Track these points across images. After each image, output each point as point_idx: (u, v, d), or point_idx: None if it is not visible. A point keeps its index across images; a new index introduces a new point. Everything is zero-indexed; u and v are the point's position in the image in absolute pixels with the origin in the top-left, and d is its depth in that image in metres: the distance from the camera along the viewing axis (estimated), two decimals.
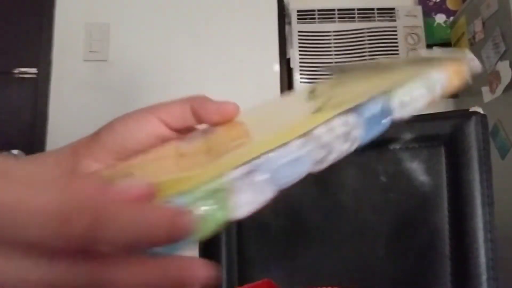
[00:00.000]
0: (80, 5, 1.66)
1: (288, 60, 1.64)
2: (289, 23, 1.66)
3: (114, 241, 0.18)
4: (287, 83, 1.64)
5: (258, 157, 0.21)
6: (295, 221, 0.64)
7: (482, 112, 0.59)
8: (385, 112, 0.25)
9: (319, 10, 1.64)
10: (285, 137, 0.21)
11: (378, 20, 1.62)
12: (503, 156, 1.20)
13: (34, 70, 1.63)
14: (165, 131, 0.31)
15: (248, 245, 0.65)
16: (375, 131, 0.25)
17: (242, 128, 0.28)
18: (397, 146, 0.61)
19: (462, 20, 1.46)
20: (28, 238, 0.17)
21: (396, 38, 1.60)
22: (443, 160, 0.59)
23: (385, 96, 0.25)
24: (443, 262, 0.57)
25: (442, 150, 0.59)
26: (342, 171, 0.63)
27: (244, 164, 0.20)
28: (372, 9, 1.62)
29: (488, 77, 1.28)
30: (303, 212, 0.64)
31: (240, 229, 0.65)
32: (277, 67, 1.65)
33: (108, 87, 1.62)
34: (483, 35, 1.33)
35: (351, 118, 0.23)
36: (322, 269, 0.62)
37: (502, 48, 1.22)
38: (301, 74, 1.59)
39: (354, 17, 1.62)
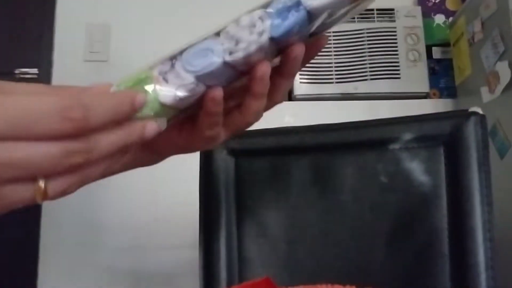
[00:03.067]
0: (81, 6, 1.66)
1: None
2: None
3: (102, 120, 0.26)
4: None
5: (179, 51, 0.28)
6: (295, 221, 0.64)
7: (481, 112, 0.59)
8: (296, 3, 0.28)
9: None
10: (208, 35, 0.28)
11: (378, 21, 1.62)
12: (502, 156, 1.21)
13: (35, 70, 1.63)
14: None
15: (248, 244, 0.65)
16: (289, 24, 0.28)
17: None
18: (396, 146, 0.61)
19: (461, 20, 1.46)
20: (38, 131, 0.24)
21: (395, 39, 1.60)
22: (442, 160, 0.59)
23: None
24: (442, 261, 0.57)
25: (441, 150, 0.60)
26: (342, 171, 0.63)
27: (168, 57, 0.28)
28: (372, 9, 1.63)
29: (487, 77, 1.29)
30: (303, 212, 0.64)
31: (240, 228, 0.65)
32: None
33: None
34: (482, 36, 1.33)
35: (257, 12, 0.28)
36: (322, 269, 0.62)
37: (501, 48, 1.22)
38: (301, 74, 1.60)
39: (353, 18, 1.63)
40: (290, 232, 0.64)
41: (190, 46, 0.28)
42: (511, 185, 1.15)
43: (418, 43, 1.60)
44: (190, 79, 0.28)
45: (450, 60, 1.60)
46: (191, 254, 1.48)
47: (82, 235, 1.49)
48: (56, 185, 0.26)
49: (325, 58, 1.61)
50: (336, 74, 1.59)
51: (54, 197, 0.26)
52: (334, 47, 1.61)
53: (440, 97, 1.62)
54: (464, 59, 1.46)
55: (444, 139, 0.60)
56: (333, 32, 1.62)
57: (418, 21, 1.62)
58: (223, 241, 0.65)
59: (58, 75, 1.62)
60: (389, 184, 0.61)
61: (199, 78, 0.29)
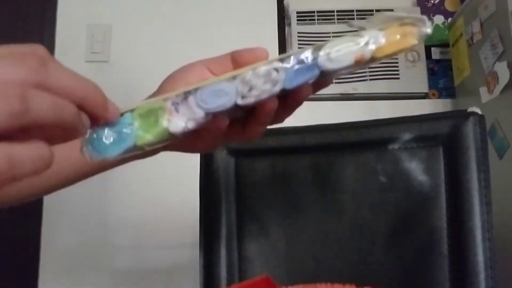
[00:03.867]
0: (82, 7, 1.66)
1: None
2: (289, 24, 1.67)
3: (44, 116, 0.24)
4: None
5: (194, 88, 0.30)
6: (295, 220, 0.64)
7: (480, 112, 0.59)
8: (312, 62, 0.30)
9: (318, 12, 1.65)
10: (226, 77, 0.30)
11: None
12: (500, 156, 1.21)
13: None
14: (208, 75, 0.40)
15: (248, 243, 0.65)
16: (302, 77, 0.31)
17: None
18: (395, 146, 0.62)
19: (460, 21, 1.47)
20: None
21: None
22: (442, 160, 0.60)
23: (314, 49, 0.30)
24: (441, 260, 0.57)
25: (441, 150, 0.60)
26: (342, 171, 0.63)
27: (182, 92, 0.30)
28: (371, 10, 1.63)
29: (486, 77, 1.29)
30: (302, 211, 0.64)
31: (240, 228, 0.65)
32: None
33: (110, 88, 1.61)
34: (481, 36, 1.33)
35: (274, 64, 0.30)
36: (321, 268, 0.62)
37: (500, 49, 1.23)
38: None
39: (353, 19, 1.63)
40: (290, 232, 0.64)
41: (206, 85, 0.30)
42: (510, 184, 1.16)
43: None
44: (201, 114, 0.30)
45: (449, 60, 1.60)
46: (191, 254, 1.48)
47: (82, 234, 1.49)
48: None
49: None
50: None
51: None
52: None
53: (439, 98, 1.63)
54: (463, 59, 1.46)
55: (443, 139, 0.60)
56: (333, 32, 1.63)
57: None
58: (223, 241, 0.65)
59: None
60: (388, 184, 0.61)
61: (209, 113, 0.30)
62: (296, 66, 0.30)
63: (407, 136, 0.61)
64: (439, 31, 1.67)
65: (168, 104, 0.30)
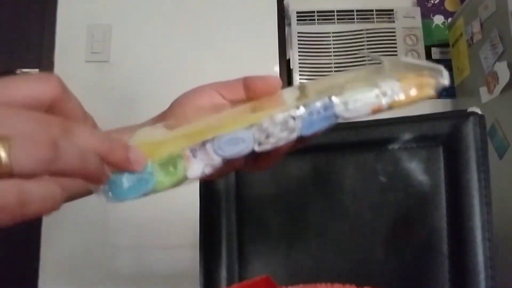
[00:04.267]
0: (82, 6, 1.67)
1: (288, 61, 1.64)
2: (289, 24, 1.67)
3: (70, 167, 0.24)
4: (287, 84, 1.64)
5: (212, 137, 0.30)
6: (295, 220, 0.64)
7: (480, 112, 0.59)
8: (329, 110, 0.31)
9: (318, 12, 1.65)
10: (242, 124, 0.30)
11: (377, 21, 1.62)
12: (500, 156, 1.21)
13: (36, 71, 1.64)
14: (219, 100, 0.39)
15: (248, 243, 0.65)
16: (319, 126, 0.31)
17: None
18: (395, 146, 0.62)
19: (460, 21, 1.47)
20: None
21: (394, 39, 1.60)
22: (442, 160, 0.60)
23: (331, 97, 0.31)
24: (441, 260, 0.57)
25: (441, 150, 0.60)
26: (341, 171, 0.64)
27: (200, 142, 0.30)
28: (371, 10, 1.63)
29: (486, 77, 1.29)
30: (302, 211, 0.64)
31: (240, 228, 0.65)
32: (277, 68, 1.65)
33: (110, 88, 1.62)
34: (481, 36, 1.33)
35: (292, 111, 0.30)
36: (321, 268, 0.62)
37: (500, 49, 1.23)
38: (300, 75, 1.60)
39: (353, 18, 1.63)
40: (290, 232, 0.64)
41: (223, 133, 0.30)
42: (510, 184, 1.16)
43: (417, 44, 1.60)
44: (218, 160, 0.30)
45: (449, 60, 1.60)
46: (191, 255, 1.48)
47: (83, 235, 1.49)
48: None
49: (324, 59, 1.61)
50: None
51: None
52: (334, 48, 1.62)
53: (439, 98, 1.63)
54: (463, 59, 1.46)
55: (443, 139, 0.60)
56: (333, 32, 1.63)
57: (417, 21, 1.62)
58: (223, 241, 0.65)
59: (59, 76, 1.62)
60: (388, 184, 0.61)
61: (226, 159, 0.31)
62: (314, 115, 0.30)
63: (407, 136, 0.61)
64: (439, 31, 1.67)
65: (187, 152, 0.30)
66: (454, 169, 0.58)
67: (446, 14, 1.67)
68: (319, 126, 0.31)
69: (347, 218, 0.62)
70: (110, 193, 0.29)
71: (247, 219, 0.66)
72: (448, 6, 1.70)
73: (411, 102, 0.31)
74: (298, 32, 1.63)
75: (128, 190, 0.29)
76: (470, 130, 0.58)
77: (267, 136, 0.30)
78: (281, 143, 0.31)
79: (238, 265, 0.65)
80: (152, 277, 1.47)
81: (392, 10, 1.63)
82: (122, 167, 0.28)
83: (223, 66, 1.64)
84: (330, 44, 1.62)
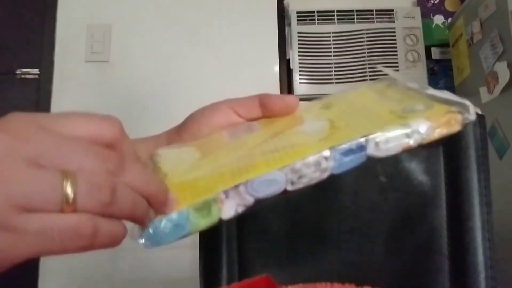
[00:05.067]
0: (82, 6, 1.67)
1: (288, 61, 1.64)
2: (289, 24, 1.67)
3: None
4: (287, 84, 1.64)
5: (245, 180, 0.30)
6: (295, 220, 0.64)
7: (480, 112, 0.59)
8: (361, 150, 0.31)
9: (318, 12, 1.65)
10: (275, 164, 0.31)
11: (377, 22, 1.63)
12: (500, 156, 1.21)
13: (36, 71, 1.64)
14: (235, 118, 0.39)
15: (248, 244, 0.65)
16: (349, 165, 0.31)
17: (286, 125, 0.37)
18: None
19: (460, 21, 1.47)
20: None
21: (394, 39, 1.60)
22: (442, 160, 0.60)
23: (363, 138, 0.31)
24: (441, 260, 0.57)
25: (441, 150, 0.60)
26: None
27: (233, 185, 0.30)
28: (371, 10, 1.63)
29: (486, 77, 1.29)
30: (302, 211, 0.64)
31: (241, 228, 0.65)
32: (277, 68, 1.65)
33: (110, 88, 1.62)
34: (481, 36, 1.33)
35: (325, 153, 0.31)
36: (321, 268, 0.62)
37: (500, 49, 1.23)
38: (300, 75, 1.60)
39: (353, 19, 1.63)
40: (290, 231, 0.64)
41: (256, 176, 0.30)
42: (510, 184, 1.16)
43: (417, 44, 1.60)
44: (250, 200, 0.31)
45: (449, 60, 1.60)
46: (191, 254, 1.48)
47: None
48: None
49: (324, 59, 1.61)
50: (336, 75, 1.59)
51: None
52: (334, 48, 1.62)
53: None
54: (463, 59, 1.46)
55: (443, 139, 0.60)
56: (333, 32, 1.63)
57: (417, 21, 1.62)
58: (223, 241, 0.65)
59: (59, 76, 1.63)
60: (388, 184, 0.61)
61: (259, 199, 0.31)
62: (346, 155, 0.31)
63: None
64: (439, 31, 1.67)
65: (221, 195, 0.30)
66: (454, 169, 0.58)
67: (446, 14, 1.68)
68: (350, 165, 0.31)
69: (347, 218, 0.62)
70: (146, 240, 0.29)
71: (247, 219, 0.66)
72: (448, 6, 1.70)
73: (438, 138, 0.32)
74: (298, 32, 1.63)
75: (166, 236, 0.29)
76: (470, 130, 0.58)
77: (300, 177, 0.31)
78: (313, 182, 0.31)
79: (238, 265, 0.65)
80: (152, 277, 1.47)
81: (392, 10, 1.63)
82: (158, 210, 0.29)
83: (223, 66, 1.64)
84: (330, 44, 1.62)
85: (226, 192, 0.30)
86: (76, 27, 1.64)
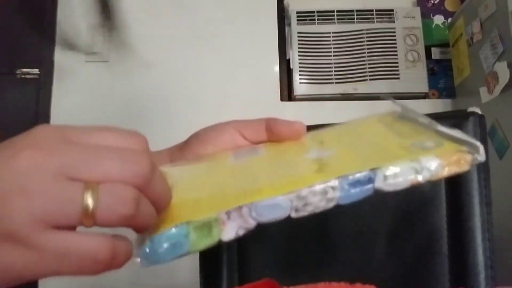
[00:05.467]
0: (82, 6, 1.67)
1: (288, 61, 1.64)
2: (289, 24, 1.67)
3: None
4: (287, 84, 1.64)
5: (250, 202, 0.29)
6: (295, 221, 0.64)
7: (480, 112, 0.59)
8: (369, 182, 0.30)
9: (318, 12, 1.65)
10: (280, 190, 0.30)
11: (377, 21, 1.63)
12: (500, 156, 1.21)
13: (36, 71, 1.64)
14: (241, 141, 0.38)
15: (248, 245, 0.65)
16: (356, 197, 0.30)
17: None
18: None
19: (460, 21, 1.47)
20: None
21: (394, 39, 1.60)
22: None
23: (372, 171, 0.30)
24: (441, 260, 0.57)
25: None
26: None
27: (237, 206, 0.29)
28: (371, 10, 1.63)
29: (486, 77, 1.29)
30: None
31: None
32: (277, 68, 1.65)
33: (110, 88, 1.62)
34: (481, 36, 1.33)
35: (332, 183, 0.30)
36: (321, 269, 0.62)
37: (500, 49, 1.23)
38: (300, 75, 1.60)
39: (353, 19, 1.63)
40: (290, 232, 0.64)
41: (261, 199, 0.30)
42: (510, 184, 1.16)
43: (417, 44, 1.60)
44: (252, 224, 0.30)
45: (449, 60, 1.60)
46: (191, 254, 1.48)
47: None
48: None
49: (324, 59, 1.61)
50: (336, 75, 1.59)
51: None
52: (334, 48, 1.62)
53: (439, 98, 1.63)
54: (463, 59, 1.46)
55: None
56: (333, 32, 1.63)
57: (417, 21, 1.62)
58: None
59: (60, 76, 1.63)
60: None
61: (260, 223, 0.31)
62: (353, 187, 0.30)
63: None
64: (439, 31, 1.67)
65: (223, 216, 0.30)
66: None
67: (446, 14, 1.68)
68: (357, 197, 0.31)
69: (347, 218, 0.62)
70: (143, 258, 0.29)
71: None
72: (448, 6, 1.70)
73: (447, 176, 0.31)
74: (298, 32, 1.63)
75: (163, 255, 0.29)
76: (470, 130, 0.58)
77: (305, 205, 0.30)
78: (318, 210, 0.30)
79: (238, 265, 0.65)
80: (152, 278, 1.47)
81: (392, 10, 1.63)
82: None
83: (223, 66, 1.64)
84: (330, 44, 1.62)
85: (228, 213, 0.29)
86: (76, 27, 1.64)
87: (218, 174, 0.35)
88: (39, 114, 1.60)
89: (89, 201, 0.23)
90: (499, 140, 1.22)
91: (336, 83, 1.59)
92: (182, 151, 0.40)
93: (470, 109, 0.59)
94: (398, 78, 1.57)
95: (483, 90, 1.30)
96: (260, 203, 0.29)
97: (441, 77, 1.65)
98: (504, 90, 1.20)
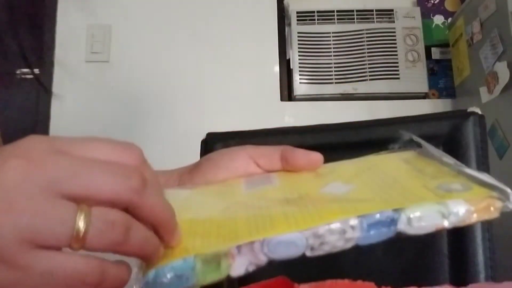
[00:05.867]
0: (82, 6, 1.67)
1: (288, 61, 1.64)
2: (289, 24, 1.67)
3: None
4: (287, 84, 1.64)
5: (262, 238, 0.27)
6: None
7: (480, 112, 0.59)
8: (391, 224, 0.28)
9: (318, 12, 1.65)
10: (296, 226, 0.27)
11: (377, 21, 1.63)
12: (500, 156, 1.21)
13: (36, 71, 1.63)
14: (254, 169, 0.37)
15: None
16: (377, 238, 0.28)
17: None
18: (395, 146, 0.61)
19: (460, 21, 1.47)
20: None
21: (394, 39, 1.60)
22: None
23: (395, 212, 0.28)
24: (441, 261, 0.57)
25: (441, 150, 0.60)
26: None
27: (249, 241, 0.27)
28: (371, 10, 1.63)
29: (486, 77, 1.29)
30: None
31: None
32: (277, 68, 1.65)
33: (110, 88, 1.62)
34: (481, 36, 1.33)
35: (352, 222, 0.28)
36: (321, 268, 0.62)
37: (500, 49, 1.23)
38: (300, 75, 1.60)
39: (353, 19, 1.63)
40: None
41: (275, 235, 0.28)
42: (510, 185, 1.15)
43: (417, 44, 1.60)
44: (264, 260, 0.28)
45: (449, 60, 1.60)
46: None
47: None
48: None
49: (324, 59, 1.61)
50: (336, 75, 1.59)
51: None
52: (334, 48, 1.62)
53: (439, 98, 1.63)
54: (463, 59, 1.46)
55: (443, 139, 0.60)
56: (333, 32, 1.63)
57: (417, 21, 1.62)
58: None
59: (60, 76, 1.63)
60: None
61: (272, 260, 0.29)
62: (375, 227, 0.28)
63: (407, 136, 0.61)
64: (439, 31, 1.67)
65: (233, 250, 0.28)
66: None
67: (446, 14, 1.68)
68: (377, 239, 0.28)
69: None
70: (146, 286, 0.27)
71: None
72: (448, 6, 1.70)
73: (474, 222, 0.30)
74: (298, 32, 1.63)
75: (167, 285, 0.27)
76: (470, 130, 0.58)
77: (322, 244, 0.28)
78: (335, 250, 0.28)
79: None
80: None
81: (392, 10, 1.63)
82: (165, 239, 0.27)
83: (223, 66, 1.64)
84: (330, 44, 1.62)
85: (239, 247, 0.27)
86: (76, 27, 1.64)
87: (229, 203, 0.33)
88: (39, 114, 1.60)
89: (81, 224, 0.22)
90: (499, 140, 1.22)
91: (336, 83, 1.59)
92: (191, 174, 0.38)
93: (470, 109, 0.59)
94: (398, 78, 1.57)
95: (483, 90, 1.30)
96: (273, 239, 0.27)
97: (441, 77, 1.65)
98: (504, 90, 1.20)
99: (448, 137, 0.59)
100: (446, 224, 0.28)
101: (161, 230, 0.26)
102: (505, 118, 1.21)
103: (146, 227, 0.25)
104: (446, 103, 1.60)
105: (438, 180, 0.31)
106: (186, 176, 0.39)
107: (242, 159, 0.37)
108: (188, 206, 0.33)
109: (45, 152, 0.23)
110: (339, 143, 0.65)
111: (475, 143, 0.58)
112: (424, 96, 1.60)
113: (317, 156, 0.36)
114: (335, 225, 0.28)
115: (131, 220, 0.23)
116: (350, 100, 1.59)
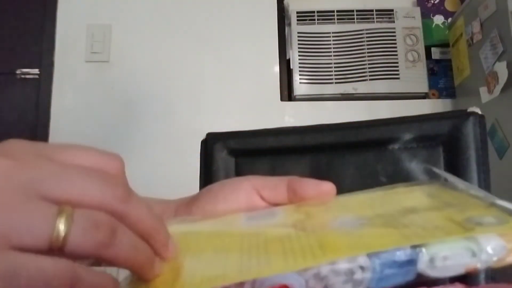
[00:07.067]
0: (82, 6, 1.67)
1: (288, 61, 1.65)
2: (289, 24, 1.67)
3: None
4: (287, 84, 1.64)
5: (260, 279, 0.24)
6: None
7: (480, 112, 0.59)
8: (408, 263, 0.24)
9: (318, 12, 1.65)
10: (294, 265, 0.23)
11: (377, 21, 1.63)
12: (500, 156, 1.21)
13: (36, 71, 1.64)
14: (258, 202, 0.33)
15: None
16: (391, 282, 0.24)
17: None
18: (396, 146, 0.62)
19: (460, 21, 1.47)
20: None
21: (394, 39, 1.60)
22: (442, 160, 0.60)
23: (414, 248, 0.24)
24: None
25: (441, 150, 0.60)
26: (341, 171, 0.63)
27: (242, 280, 0.23)
28: (371, 10, 1.63)
29: (486, 77, 1.29)
30: None
31: None
32: (277, 68, 1.65)
33: (110, 88, 1.62)
34: (481, 36, 1.33)
35: (361, 260, 0.23)
36: None
37: (500, 49, 1.23)
38: (300, 75, 1.60)
39: (353, 19, 1.63)
40: None
41: (267, 276, 0.24)
42: (510, 185, 1.16)
43: (417, 44, 1.60)
44: None
45: (449, 60, 1.60)
46: None
47: None
48: None
49: (324, 59, 1.61)
50: (336, 75, 1.59)
51: None
52: (334, 48, 1.62)
53: (439, 97, 1.63)
54: (463, 59, 1.46)
55: (443, 139, 0.60)
56: (333, 32, 1.63)
57: (417, 21, 1.62)
58: None
59: (59, 76, 1.63)
60: (388, 184, 0.61)
61: None
62: (389, 267, 0.23)
63: (407, 136, 0.61)
64: (439, 31, 1.67)
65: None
66: (454, 169, 0.58)
67: (446, 14, 1.68)
68: (392, 282, 0.24)
69: None
70: None
71: None
72: (448, 6, 1.70)
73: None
74: (298, 32, 1.63)
75: None
76: (470, 130, 0.58)
77: (325, 287, 0.24)
78: None
79: None
80: None
81: (392, 10, 1.63)
82: (158, 251, 0.25)
83: (223, 66, 1.64)
84: (330, 44, 1.62)
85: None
86: (76, 27, 1.64)
87: (224, 238, 0.30)
88: (39, 114, 1.60)
89: (61, 227, 0.20)
90: (499, 140, 1.22)
91: (336, 83, 1.59)
92: (189, 206, 0.35)
93: (470, 109, 0.59)
94: (398, 78, 1.57)
95: (483, 90, 1.30)
96: (266, 280, 0.23)
97: (441, 77, 1.65)
98: (504, 90, 1.20)
99: (448, 137, 0.59)
100: (477, 264, 0.24)
101: (152, 241, 0.24)
102: (505, 118, 1.21)
103: (135, 235, 0.23)
104: (446, 103, 1.60)
105: (467, 213, 0.26)
106: (183, 208, 0.36)
107: (244, 190, 0.34)
108: (180, 242, 0.30)
109: (29, 154, 0.22)
110: (339, 143, 0.65)
111: (475, 143, 0.58)
112: (424, 96, 1.60)
113: (329, 187, 0.32)
114: (341, 265, 0.23)
115: (117, 223, 0.22)
116: (350, 100, 1.59)
